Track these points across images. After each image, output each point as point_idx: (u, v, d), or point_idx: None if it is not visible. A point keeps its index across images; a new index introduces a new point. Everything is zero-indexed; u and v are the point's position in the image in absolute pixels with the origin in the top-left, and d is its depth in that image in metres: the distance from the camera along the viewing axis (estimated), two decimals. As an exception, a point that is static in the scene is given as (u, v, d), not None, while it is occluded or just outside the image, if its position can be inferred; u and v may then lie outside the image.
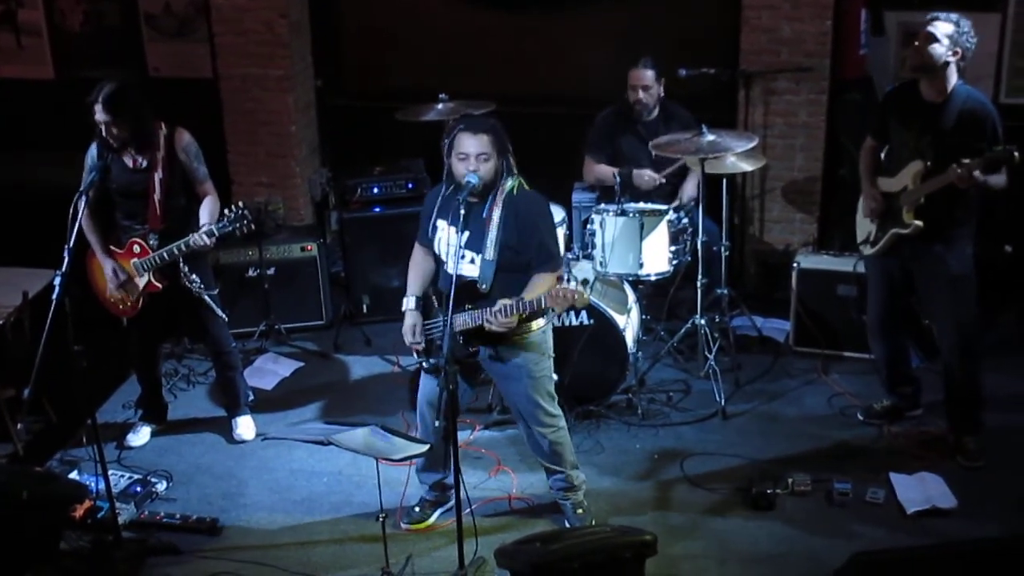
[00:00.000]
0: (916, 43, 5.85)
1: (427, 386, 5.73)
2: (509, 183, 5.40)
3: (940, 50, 5.78)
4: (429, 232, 5.57)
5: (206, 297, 6.49)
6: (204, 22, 8.91)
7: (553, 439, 5.74)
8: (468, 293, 5.38)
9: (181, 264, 6.34)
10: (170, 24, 9.08)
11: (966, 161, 5.65)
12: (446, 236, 5.46)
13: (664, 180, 7.48)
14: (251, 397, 7.02)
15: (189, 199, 6.38)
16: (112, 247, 6.37)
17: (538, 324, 5.54)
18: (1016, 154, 5.60)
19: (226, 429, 6.90)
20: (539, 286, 5.29)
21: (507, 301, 5.23)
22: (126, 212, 6.34)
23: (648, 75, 7.52)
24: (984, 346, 6.39)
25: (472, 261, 5.42)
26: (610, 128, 7.73)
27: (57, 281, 5.53)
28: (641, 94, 7.53)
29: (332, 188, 8.76)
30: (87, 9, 9.20)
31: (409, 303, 5.63)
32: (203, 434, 6.94)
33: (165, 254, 6.22)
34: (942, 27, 5.77)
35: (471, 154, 5.30)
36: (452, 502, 5.94)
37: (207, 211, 6.30)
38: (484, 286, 5.36)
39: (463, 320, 5.39)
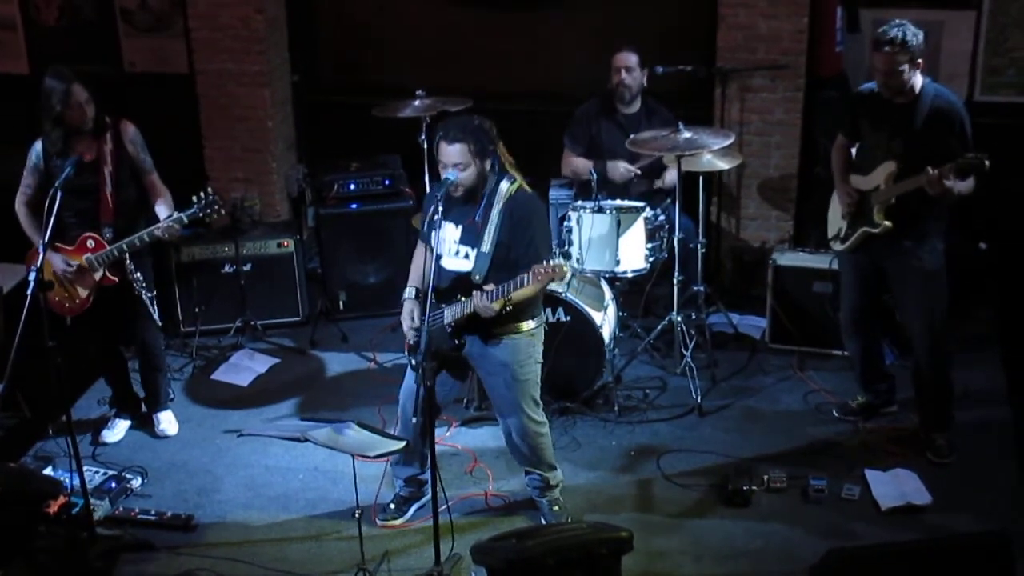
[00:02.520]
0: (882, 76, 5.86)
1: (409, 380, 5.72)
2: (505, 185, 5.42)
3: (903, 76, 5.80)
4: (426, 228, 5.56)
5: (144, 297, 6.46)
6: (180, 17, 8.88)
7: (532, 443, 5.74)
8: (463, 286, 5.40)
9: (127, 260, 6.31)
10: (146, 19, 9.04)
11: (936, 169, 5.67)
12: (444, 233, 5.48)
13: (639, 172, 7.49)
14: (172, 396, 7.03)
15: (139, 191, 6.37)
16: (59, 244, 6.29)
17: (527, 326, 5.54)
18: (987, 162, 5.61)
19: (202, 425, 6.90)
20: (528, 288, 5.29)
21: (491, 286, 5.25)
22: (75, 209, 6.25)
23: (631, 57, 7.56)
24: (957, 343, 6.43)
25: (466, 256, 5.44)
26: (590, 118, 7.75)
27: (32, 277, 5.50)
28: (624, 75, 7.55)
29: (309, 184, 8.73)
30: (62, 4, 9.15)
31: (409, 292, 5.66)
32: (178, 430, 6.92)
33: (124, 245, 6.19)
34: (899, 56, 5.74)
35: (448, 164, 5.33)
36: (427, 498, 5.95)
37: (164, 206, 6.31)
38: (478, 277, 5.39)
39: (454, 311, 5.40)
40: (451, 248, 5.47)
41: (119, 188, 6.26)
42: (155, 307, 6.57)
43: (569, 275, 5.21)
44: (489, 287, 5.27)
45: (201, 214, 6.13)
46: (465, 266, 5.45)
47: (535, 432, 5.71)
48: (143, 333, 6.64)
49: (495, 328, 5.46)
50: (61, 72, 6.07)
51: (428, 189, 5.83)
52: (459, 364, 5.72)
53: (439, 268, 5.47)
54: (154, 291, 6.57)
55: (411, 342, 5.61)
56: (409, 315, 5.61)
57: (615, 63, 7.59)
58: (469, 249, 5.44)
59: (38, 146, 6.25)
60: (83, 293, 6.37)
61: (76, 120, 6.10)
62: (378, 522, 5.96)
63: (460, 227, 5.43)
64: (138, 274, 6.38)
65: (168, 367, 7.07)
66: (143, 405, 6.97)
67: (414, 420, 5.38)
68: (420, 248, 5.74)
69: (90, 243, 6.26)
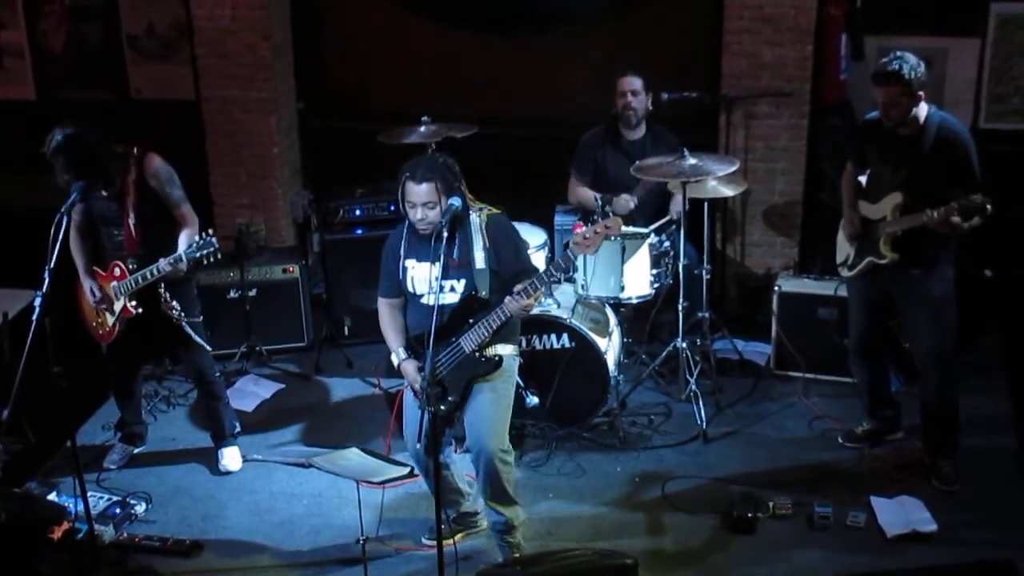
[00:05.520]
0: (881, 108, 5.89)
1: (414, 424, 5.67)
2: (475, 216, 5.44)
3: (903, 108, 5.82)
4: (399, 273, 5.55)
5: (185, 325, 6.45)
6: (187, 44, 8.93)
7: (498, 473, 5.52)
8: (468, 308, 5.39)
9: (162, 290, 6.31)
10: (153, 46, 9.10)
11: (944, 207, 5.68)
12: (419, 273, 5.48)
13: (636, 203, 7.49)
14: (237, 428, 6.94)
15: (167, 223, 6.34)
16: (97, 269, 6.37)
17: (507, 349, 5.53)
18: (989, 206, 5.62)
19: (206, 451, 6.88)
20: None
21: (520, 285, 5.26)
22: (108, 237, 6.34)
23: (636, 81, 7.59)
24: (962, 369, 6.42)
25: (452, 289, 5.43)
26: (595, 146, 7.77)
27: (37, 302, 5.51)
28: (630, 98, 7.59)
29: (314, 210, 8.75)
30: (70, 30, 9.21)
31: (400, 354, 5.61)
32: (182, 456, 6.93)
33: (140, 278, 6.19)
34: (897, 88, 5.77)
35: (417, 204, 5.34)
36: (476, 529, 6.03)
37: (184, 239, 6.27)
38: (484, 292, 5.38)
39: (476, 336, 5.38)
40: (435, 286, 5.34)
41: (143, 219, 6.26)
42: (201, 332, 6.56)
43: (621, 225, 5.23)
44: (519, 287, 5.26)
45: (197, 254, 6.09)
46: (454, 299, 5.44)
47: (501, 461, 5.52)
48: (193, 359, 6.62)
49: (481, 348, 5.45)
50: (51, 136, 6.00)
51: (391, 234, 5.73)
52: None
53: (422, 309, 5.44)
54: (199, 316, 6.58)
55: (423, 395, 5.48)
56: (416, 375, 5.50)
57: (620, 87, 7.62)
58: (455, 282, 5.43)
59: None
60: (111, 321, 6.40)
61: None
62: (424, 540, 5.97)
63: (438, 265, 5.29)
64: (174, 302, 6.37)
65: (227, 396, 6.96)
66: (141, 437, 6.99)
67: (418, 445, 5.37)
68: (385, 307, 5.69)
69: (116, 271, 6.29)
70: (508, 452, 5.59)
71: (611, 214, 5.20)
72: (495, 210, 5.55)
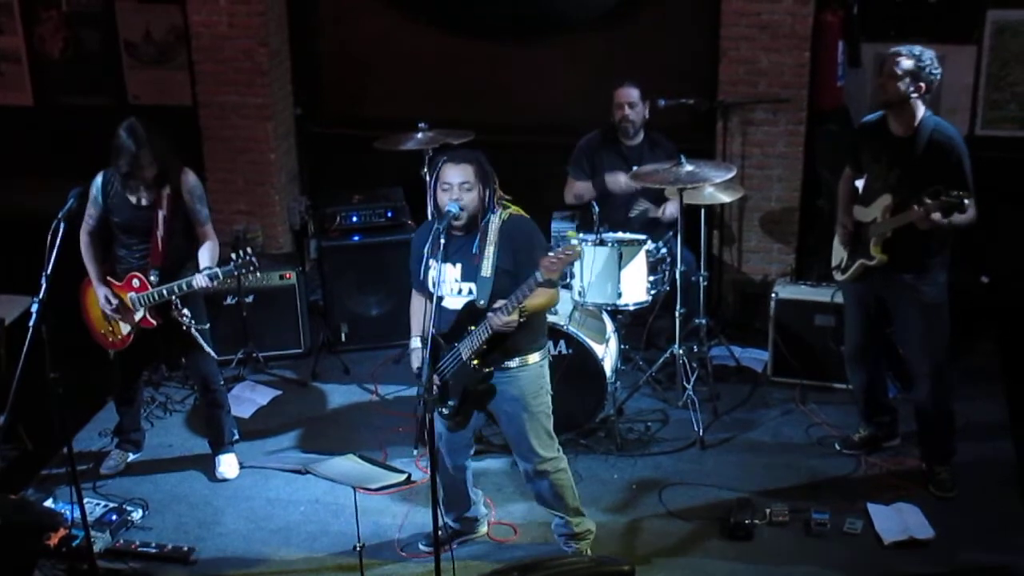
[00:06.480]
0: (880, 79, 5.91)
1: (439, 426, 5.67)
2: (496, 216, 5.40)
3: (901, 86, 5.83)
4: (421, 273, 5.53)
5: (195, 333, 6.45)
6: (184, 50, 8.93)
7: (550, 483, 5.64)
8: (469, 316, 5.36)
9: (174, 298, 6.31)
10: (150, 52, 9.10)
11: (928, 201, 5.68)
12: (435, 271, 5.46)
13: (637, 189, 7.48)
14: (236, 436, 6.92)
15: (189, 239, 6.36)
16: (110, 278, 6.36)
17: (534, 359, 5.50)
18: (967, 201, 5.61)
19: (203, 457, 6.86)
20: (539, 296, 5.29)
21: (502, 301, 5.21)
22: (126, 246, 6.33)
23: (633, 92, 7.60)
24: (959, 375, 6.41)
25: (470, 292, 5.39)
26: (593, 149, 7.78)
27: (34, 308, 5.50)
28: (627, 111, 7.59)
29: (311, 216, 8.75)
30: (67, 36, 9.21)
31: (415, 343, 5.62)
32: (179, 462, 6.92)
33: (165, 291, 6.20)
34: (903, 63, 5.82)
35: (454, 184, 5.31)
36: (475, 535, 6.05)
37: (207, 254, 6.29)
38: (482, 302, 5.33)
39: (471, 343, 5.34)
40: (453, 288, 5.41)
41: (171, 234, 6.27)
42: (208, 339, 6.56)
43: (580, 246, 5.15)
44: (500, 303, 5.22)
45: (236, 272, 6.14)
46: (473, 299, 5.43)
47: (548, 468, 5.61)
48: (201, 366, 6.62)
49: (504, 361, 5.41)
50: (136, 133, 6.01)
51: (417, 229, 5.76)
52: (482, 395, 5.61)
53: (442, 310, 5.39)
54: (207, 323, 6.58)
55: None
56: (418, 358, 5.56)
57: (617, 99, 7.63)
58: (472, 285, 5.39)
59: (99, 180, 6.27)
60: (125, 330, 6.41)
61: (137, 181, 6.13)
62: (421, 547, 5.96)
63: (459, 265, 5.38)
64: (185, 310, 6.36)
65: (229, 404, 6.95)
66: (138, 444, 6.98)
67: (415, 451, 5.35)
68: (416, 297, 5.68)
69: (135, 282, 6.27)
70: (549, 460, 5.62)
71: (570, 241, 5.15)
72: (519, 211, 5.53)
